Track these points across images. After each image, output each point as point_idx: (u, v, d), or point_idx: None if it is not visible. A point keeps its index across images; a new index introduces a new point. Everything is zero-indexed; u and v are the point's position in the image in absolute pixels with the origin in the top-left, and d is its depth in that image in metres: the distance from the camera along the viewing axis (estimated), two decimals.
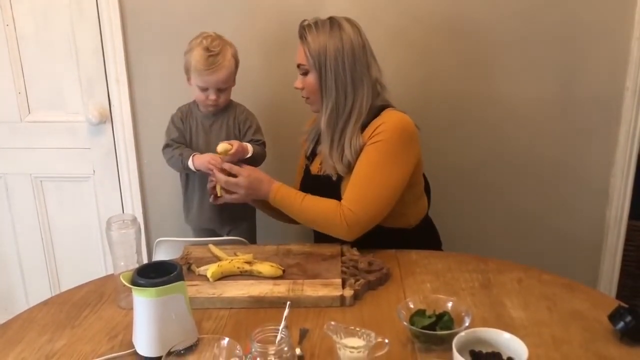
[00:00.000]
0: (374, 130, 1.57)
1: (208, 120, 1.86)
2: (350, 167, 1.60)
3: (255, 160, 1.79)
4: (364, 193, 1.55)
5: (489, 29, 2.01)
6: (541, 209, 2.19)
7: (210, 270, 1.43)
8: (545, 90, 2.06)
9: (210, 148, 1.81)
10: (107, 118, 2.19)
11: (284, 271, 1.45)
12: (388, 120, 1.58)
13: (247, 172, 1.63)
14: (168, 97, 2.11)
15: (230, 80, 1.80)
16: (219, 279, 1.43)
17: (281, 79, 2.09)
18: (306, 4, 2.01)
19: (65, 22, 2.10)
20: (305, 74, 1.63)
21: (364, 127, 1.60)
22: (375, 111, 1.62)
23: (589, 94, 2.05)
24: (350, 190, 1.57)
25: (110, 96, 2.16)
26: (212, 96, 1.78)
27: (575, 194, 2.17)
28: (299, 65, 1.64)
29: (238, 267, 1.45)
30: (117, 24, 2.07)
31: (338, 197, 1.59)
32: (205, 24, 1.86)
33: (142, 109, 2.18)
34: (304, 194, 1.61)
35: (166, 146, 1.88)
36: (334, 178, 1.63)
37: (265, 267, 1.44)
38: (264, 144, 1.87)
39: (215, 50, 1.74)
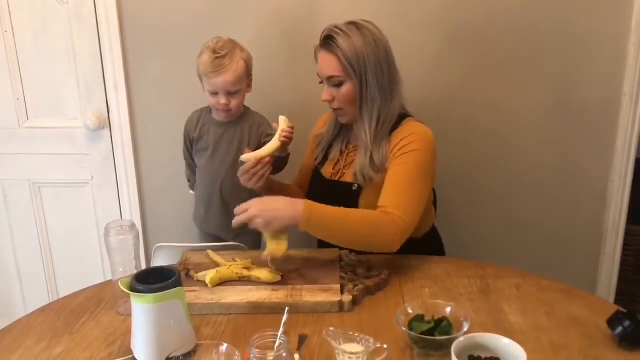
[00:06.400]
0: (402, 139, 1.53)
1: (220, 128, 1.84)
2: (376, 171, 1.54)
3: (284, 165, 1.74)
4: (410, 201, 1.49)
5: (487, 36, 2.02)
6: (539, 213, 2.19)
7: (208, 276, 1.43)
8: (543, 96, 2.07)
9: (218, 159, 1.82)
10: (105, 124, 2.19)
11: (282, 277, 1.45)
12: (418, 132, 1.55)
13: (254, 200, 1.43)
14: (167, 102, 2.12)
15: (240, 83, 1.74)
16: (218, 285, 1.43)
17: (282, 82, 2.10)
18: (305, 11, 2.01)
19: (64, 28, 2.10)
20: (338, 85, 1.55)
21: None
22: (396, 120, 1.58)
23: (586, 99, 2.06)
24: (395, 197, 1.49)
25: (108, 102, 2.16)
26: (223, 100, 1.73)
27: (573, 199, 2.17)
28: (329, 78, 1.54)
29: (236, 273, 1.45)
30: (116, 29, 2.07)
31: (355, 206, 1.55)
32: (205, 30, 1.86)
33: (141, 115, 2.18)
34: (338, 207, 1.45)
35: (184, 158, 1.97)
36: (355, 187, 1.59)
37: (263, 273, 1.44)
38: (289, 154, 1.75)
39: (221, 52, 1.69)
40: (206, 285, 1.42)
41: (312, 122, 1.86)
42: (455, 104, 2.09)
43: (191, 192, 1.99)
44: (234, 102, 1.76)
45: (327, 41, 1.53)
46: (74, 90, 2.17)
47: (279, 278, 1.44)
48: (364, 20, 1.56)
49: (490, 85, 2.07)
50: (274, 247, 1.44)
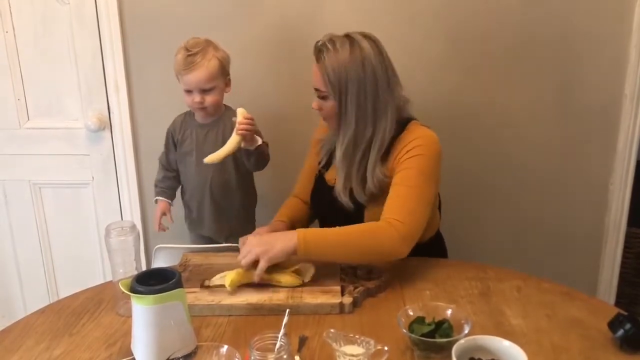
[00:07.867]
0: (407, 144, 1.51)
1: (202, 129, 1.85)
2: (373, 198, 1.53)
3: (262, 157, 1.76)
4: (411, 204, 1.46)
5: (489, 38, 2.02)
6: (540, 215, 2.19)
7: (228, 278, 1.39)
8: (544, 98, 2.07)
9: (202, 159, 1.81)
10: (106, 125, 2.19)
11: (303, 281, 1.43)
12: (423, 136, 1.53)
13: (252, 236, 1.50)
14: (167, 103, 2.11)
15: (213, 81, 1.74)
16: (217, 287, 1.41)
17: (282, 84, 2.10)
18: (306, 11, 2.01)
19: (65, 29, 2.10)
20: (323, 97, 1.53)
21: (390, 143, 1.54)
22: (400, 125, 1.55)
23: (587, 101, 2.06)
24: (393, 203, 1.47)
25: (109, 103, 2.17)
26: (197, 98, 1.74)
27: (574, 201, 2.17)
28: (316, 89, 1.54)
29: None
30: (117, 30, 2.07)
31: (360, 215, 1.54)
32: (205, 31, 1.86)
33: (141, 116, 2.18)
34: (332, 228, 1.46)
35: (159, 164, 1.97)
36: (350, 208, 1.57)
37: (284, 277, 1.42)
38: (266, 144, 1.79)
39: (193, 50, 1.72)
40: (212, 287, 1.41)
41: (312, 124, 1.85)
42: (455, 106, 2.09)
43: (157, 197, 1.95)
44: (208, 100, 1.76)
45: (317, 53, 1.52)
46: (75, 91, 2.18)
47: (300, 282, 1.42)
48: (363, 35, 1.51)
49: (491, 87, 2.07)
50: (290, 280, 1.43)
